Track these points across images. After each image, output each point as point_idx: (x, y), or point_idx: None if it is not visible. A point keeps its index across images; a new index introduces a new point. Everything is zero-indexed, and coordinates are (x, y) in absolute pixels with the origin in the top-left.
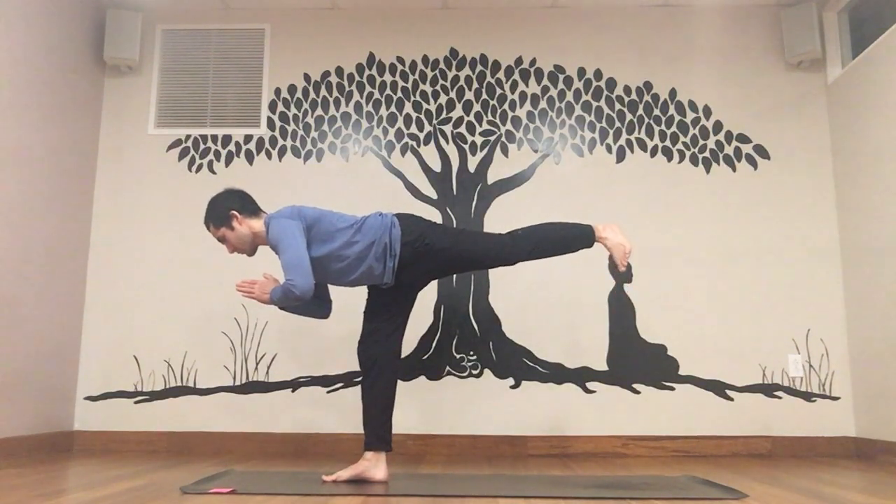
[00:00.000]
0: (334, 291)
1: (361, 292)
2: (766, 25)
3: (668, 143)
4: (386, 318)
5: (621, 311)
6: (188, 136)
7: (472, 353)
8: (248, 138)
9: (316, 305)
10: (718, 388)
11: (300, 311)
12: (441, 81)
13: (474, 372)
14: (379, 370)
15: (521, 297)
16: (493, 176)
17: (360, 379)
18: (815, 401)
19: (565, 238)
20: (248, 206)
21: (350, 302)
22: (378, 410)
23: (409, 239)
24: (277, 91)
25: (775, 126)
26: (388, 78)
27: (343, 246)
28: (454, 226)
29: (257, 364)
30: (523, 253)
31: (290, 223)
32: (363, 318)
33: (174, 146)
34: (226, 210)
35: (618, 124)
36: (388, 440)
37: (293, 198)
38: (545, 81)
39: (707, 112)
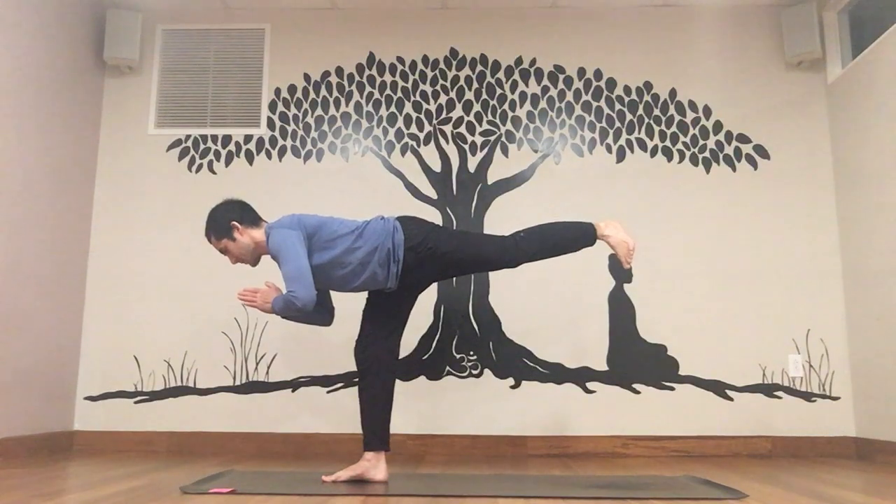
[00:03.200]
0: (335, 293)
1: (362, 293)
2: (766, 25)
3: (668, 143)
4: (385, 319)
5: (621, 311)
6: (188, 136)
7: (472, 353)
8: (248, 138)
9: (318, 314)
10: (718, 388)
11: (302, 320)
12: (441, 81)
13: (474, 372)
14: (377, 370)
15: (521, 297)
16: (493, 176)
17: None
18: (815, 401)
19: (567, 238)
20: (248, 215)
21: (351, 303)
22: (378, 410)
23: (413, 244)
24: (277, 91)
25: (775, 126)
26: (388, 78)
27: (345, 252)
28: (456, 227)
29: (257, 364)
30: (526, 255)
31: (291, 233)
32: (362, 319)
33: (174, 146)
34: (226, 221)
35: (618, 124)
36: (386, 440)
37: (293, 198)
38: (545, 81)
39: (707, 112)
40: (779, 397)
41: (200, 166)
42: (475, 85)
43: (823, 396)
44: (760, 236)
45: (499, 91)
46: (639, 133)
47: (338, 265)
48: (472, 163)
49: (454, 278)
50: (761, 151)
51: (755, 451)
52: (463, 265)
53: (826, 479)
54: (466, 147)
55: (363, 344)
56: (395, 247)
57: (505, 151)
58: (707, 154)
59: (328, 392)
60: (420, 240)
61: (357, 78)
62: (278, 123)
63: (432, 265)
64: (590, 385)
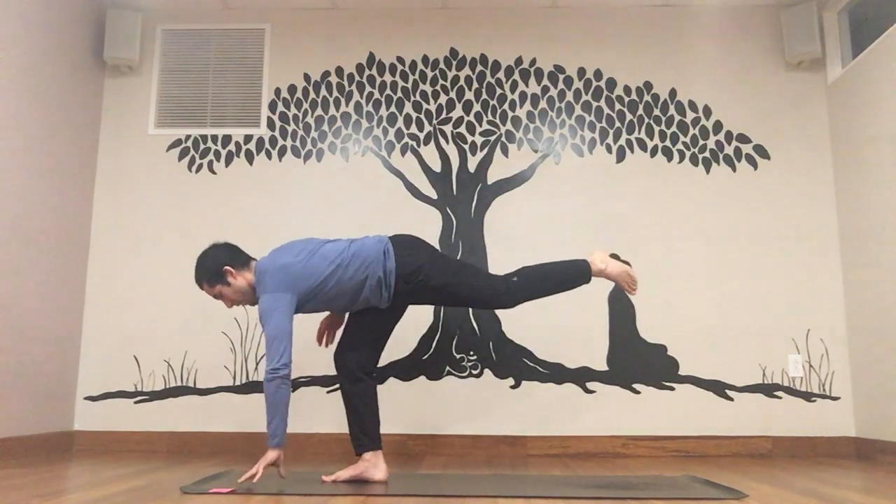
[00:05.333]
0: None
1: None
2: (766, 25)
3: (668, 143)
4: (368, 330)
5: (621, 311)
6: (188, 136)
7: (472, 353)
8: (248, 138)
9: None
10: (718, 388)
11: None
12: (441, 81)
13: (474, 372)
14: (358, 377)
15: None
16: (493, 176)
17: None
18: (815, 401)
19: (563, 280)
20: (239, 258)
21: None
22: (366, 413)
23: (405, 272)
24: (277, 91)
25: (775, 126)
26: (388, 78)
27: (335, 284)
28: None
29: (257, 364)
30: (520, 299)
31: (278, 297)
32: (345, 326)
33: (174, 146)
34: (219, 266)
35: (618, 124)
36: (378, 439)
37: (293, 198)
38: (545, 81)
39: (707, 112)
40: (779, 397)
41: (200, 166)
42: (475, 85)
43: (823, 396)
44: (760, 236)
45: (499, 91)
46: (639, 133)
47: (333, 297)
48: (472, 163)
49: None
50: (761, 151)
51: (755, 451)
52: (454, 300)
53: (826, 479)
54: (466, 147)
55: (343, 349)
56: (386, 274)
57: (505, 151)
58: (707, 154)
59: (328, 392)
60: (412, 269)
61: (357, 78)
62: (278, 123)
63: (423, 294)
64: (590, 385)
